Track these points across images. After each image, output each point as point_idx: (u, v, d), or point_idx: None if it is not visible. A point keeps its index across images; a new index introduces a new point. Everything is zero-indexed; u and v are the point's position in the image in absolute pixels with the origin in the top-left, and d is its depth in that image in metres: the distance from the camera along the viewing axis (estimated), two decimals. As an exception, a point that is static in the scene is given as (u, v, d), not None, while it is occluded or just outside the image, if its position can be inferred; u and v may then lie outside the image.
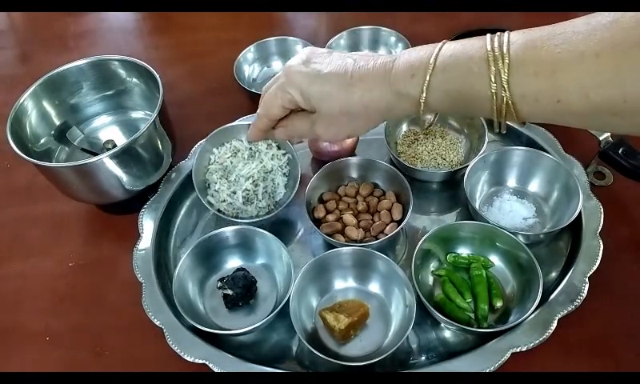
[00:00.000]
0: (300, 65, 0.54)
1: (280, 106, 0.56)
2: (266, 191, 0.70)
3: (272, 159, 0.71)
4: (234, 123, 0.73)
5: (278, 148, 0.72)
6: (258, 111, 0.61)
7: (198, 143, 0.78)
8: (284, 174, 0.71)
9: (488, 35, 0.45)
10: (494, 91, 0.44)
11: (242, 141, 0.71)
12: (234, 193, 0.69)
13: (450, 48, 0.47)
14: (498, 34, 0.44)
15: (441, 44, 0.48)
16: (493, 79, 0.43)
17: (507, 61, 0.43)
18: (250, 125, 0.64)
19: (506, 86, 0.43)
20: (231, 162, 0.70)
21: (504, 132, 0.48)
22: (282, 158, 0.71)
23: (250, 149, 0.70)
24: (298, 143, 0.77)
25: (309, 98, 0.53)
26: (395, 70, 0.50)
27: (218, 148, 0.72)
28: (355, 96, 0.51)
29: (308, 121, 0.56)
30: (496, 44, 0.43)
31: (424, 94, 0.48)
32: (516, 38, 0.43)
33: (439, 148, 0.76)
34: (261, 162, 0.70)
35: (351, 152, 0.77)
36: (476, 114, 0.48)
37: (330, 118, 0.54)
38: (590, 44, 0.39)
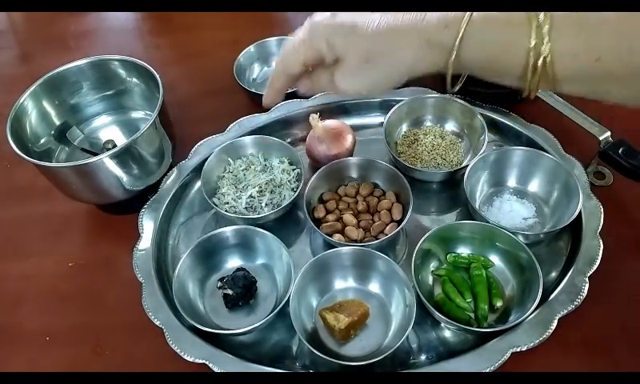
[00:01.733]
0: (325, 18, 0.52)
1: (302, 61, 0.54)
2: (271, 202, 0.71)
3: (282, 173, 0.72)
4: (251, 137, 0.76)
5: (290, 163, 0.74)
6: (273, 72, 0.58)
7: (199, 143, 0.78)
8: (292, 189, 0.72)
9: None
10: (532, 45, 0.42)
11: (258, 157, 0.75)
12: (239, 198, 0.70)
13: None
14: None
15: None
16: (533, 32, 0.42)
17: (549, 15, 0.41)
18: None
19: (545, 40, 0.41)
20: (244, 175, 0.73)
21: (532, 97, 0.46)
22: (292, 172, 0.73)
23: (265, 164, 0.74)
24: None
25: (333, 46, 0.51)
26: (427, 20, 0.47)
27: (235, 160, 0.75)
28: (380, 45, 0.49)
29: (328, 73, 0.54)
30: None
31: (457, 42, 0.46)
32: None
33: (439, 148, 0.76)
34: (270, 175, 0.72)
35: (349, 156, 0.76)
36: (508, 71, 0.45)
37: (353, 68, 0.52)
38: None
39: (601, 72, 0.41)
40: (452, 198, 0.74)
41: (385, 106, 0.80)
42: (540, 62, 0.43)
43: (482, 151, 0.71)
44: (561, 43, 0.42)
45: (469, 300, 0.62)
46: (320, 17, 0.52)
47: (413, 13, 0.49)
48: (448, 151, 0.76)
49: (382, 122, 0.77)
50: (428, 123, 0.80)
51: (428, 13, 0.48)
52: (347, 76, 0.53)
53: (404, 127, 0.80)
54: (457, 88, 0.56)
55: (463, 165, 0.73)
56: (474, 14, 0.45)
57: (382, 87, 0.54)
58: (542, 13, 0.41)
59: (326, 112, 0.80)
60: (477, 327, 0.59)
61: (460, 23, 0.45)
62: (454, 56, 0.47)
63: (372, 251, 0.62)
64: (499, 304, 0.61)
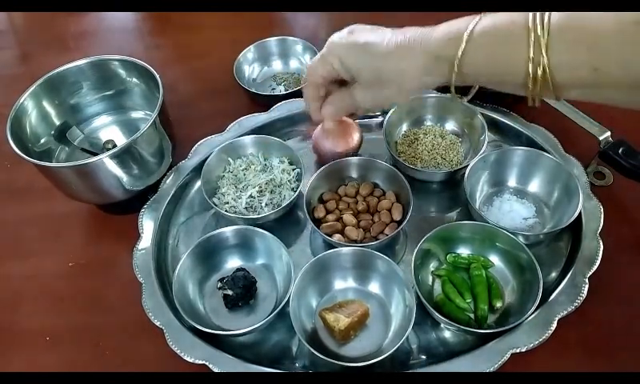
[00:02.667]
0: (341, 37, 0.56)
1: (320, 75, 0.59)
2: (271, 202, 0.71)
3: (282, 173, 0.72)
4: (251, 137, 0.76)
5: (290, 163, 0.74)
6: (303, 84, 0.63)
7: (199, 142, 0.78)
8: (292, 189, 0.72)
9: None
10: (532, 56, 0.44)
11: (257, 157, 0.75)
12: (239, 198, 0.70)
13: (491, 16, 0.47)
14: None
15: (482, 15, 0.48)
16: (532, 44, 0.43)
17: (547, 27, 0.43)
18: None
19: (544, 52, 0.43)
20: (244, 175, 0.73)
21: (537, 105, 0.47)
22: (292, 172, 0.73)
23: (265, 164, 0.74)
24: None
25: (348, 67, 0.56)
26: (433, 36, 0.50)
27: (235, 160, 0.75)
28: (390, 63, 0.53)
29: (347, 92, 0.59)
30: (537, 14, 0.44)
31: (460, 52, 0.48)
32: (557, 14, 0.43)
33: (439, 148, 0.76)
34: (270, 175, 0.72)
35: (355, 153, 0.76)
36: (510, 81, 0.47)
37: (367, 86, 0.56)
38: (631, 13, 0.39)
39: (600, 81, 0.42)
40: (452, 198, 0.74)
41: (385, 106, 0.80)
42: (540, 72, 0.44)
43: (482, 151, 0.71)
44: (558, 57, 0.43)
45: (469, 300, 0.62)
46: (337, 36, 0.57)
47: (421, 28, 0.52)
48: (448, 151, 0.76)
49: (382, 122, 0.77)
50: (428, 123, 0.80)
51: (436, 28, 0.51)
52: (365, 94, 0.57)
53: (404, 127, 0.80)
54: (467, 98, 0.58)
55: (463, 165, 0.73)
56: (476, 27, 0.47)
57: (396, 101, 0.58)
58: (540, 26, 0.43)
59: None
60: (477, 328, 0.59)
61: (462, 37, 0.48)
62: (456, 68, 0.49)
63: (372, 251, 0.62)
64: (499, 305, 0.61)
